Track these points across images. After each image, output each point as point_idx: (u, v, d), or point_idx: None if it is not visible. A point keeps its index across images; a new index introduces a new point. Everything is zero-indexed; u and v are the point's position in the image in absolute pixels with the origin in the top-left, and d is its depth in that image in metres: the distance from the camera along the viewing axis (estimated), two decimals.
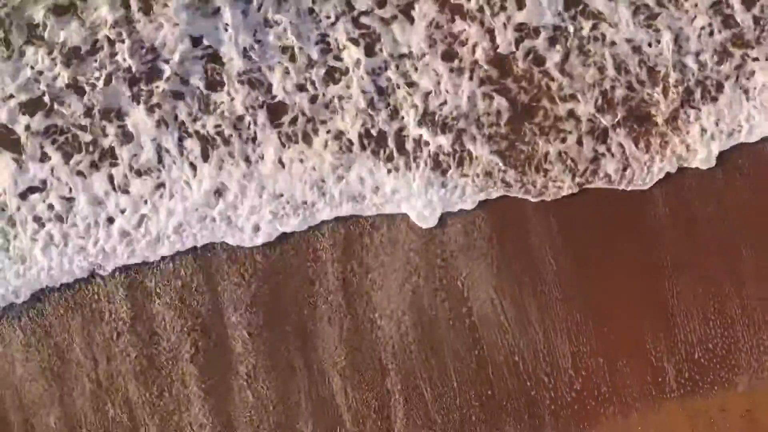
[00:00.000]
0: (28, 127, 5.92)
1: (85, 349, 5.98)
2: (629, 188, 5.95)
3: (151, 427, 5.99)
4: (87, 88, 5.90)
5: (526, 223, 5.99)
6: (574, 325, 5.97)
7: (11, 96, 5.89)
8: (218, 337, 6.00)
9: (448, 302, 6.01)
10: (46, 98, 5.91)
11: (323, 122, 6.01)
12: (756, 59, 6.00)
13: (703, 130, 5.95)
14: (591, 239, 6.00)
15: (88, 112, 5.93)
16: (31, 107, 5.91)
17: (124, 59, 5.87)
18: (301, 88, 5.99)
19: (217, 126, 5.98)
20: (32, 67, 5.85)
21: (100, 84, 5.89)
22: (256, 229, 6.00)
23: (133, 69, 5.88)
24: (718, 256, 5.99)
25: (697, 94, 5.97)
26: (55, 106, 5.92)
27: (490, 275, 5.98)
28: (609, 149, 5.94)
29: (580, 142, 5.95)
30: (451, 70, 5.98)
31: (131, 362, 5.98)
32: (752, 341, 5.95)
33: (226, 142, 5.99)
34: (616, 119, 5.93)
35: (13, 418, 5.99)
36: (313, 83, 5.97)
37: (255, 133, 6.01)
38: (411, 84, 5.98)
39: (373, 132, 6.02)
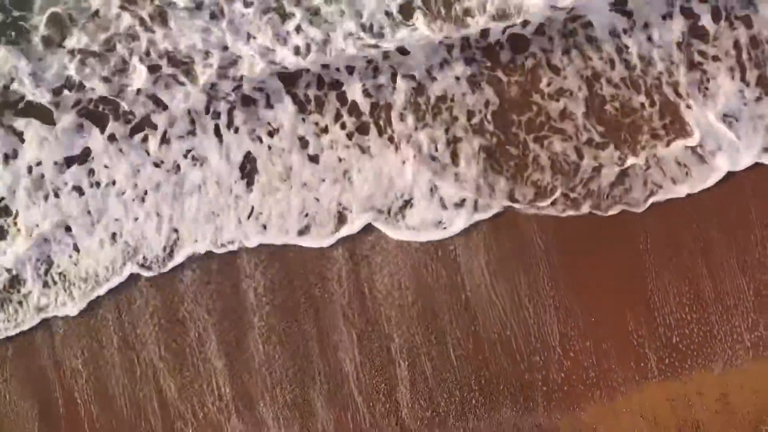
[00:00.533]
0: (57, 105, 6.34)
1: (116, 319, 6.53)
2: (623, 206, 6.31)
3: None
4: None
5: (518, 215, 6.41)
6: (563, 309, 6.35)
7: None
8: (239, 323, 6.47)
9: (447, 283, 6.39)
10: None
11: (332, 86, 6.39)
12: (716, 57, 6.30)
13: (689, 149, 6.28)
14: (579, 232, 6.36)
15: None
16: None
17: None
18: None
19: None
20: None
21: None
22: (285, 232, 6.45)
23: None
24: (695, 251, 6.33)
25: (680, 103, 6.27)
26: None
27: (482, 255, 6.38)
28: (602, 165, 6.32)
29: (578, 154, 6.31)
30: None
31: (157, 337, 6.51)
32: (726, 329, 6.29)
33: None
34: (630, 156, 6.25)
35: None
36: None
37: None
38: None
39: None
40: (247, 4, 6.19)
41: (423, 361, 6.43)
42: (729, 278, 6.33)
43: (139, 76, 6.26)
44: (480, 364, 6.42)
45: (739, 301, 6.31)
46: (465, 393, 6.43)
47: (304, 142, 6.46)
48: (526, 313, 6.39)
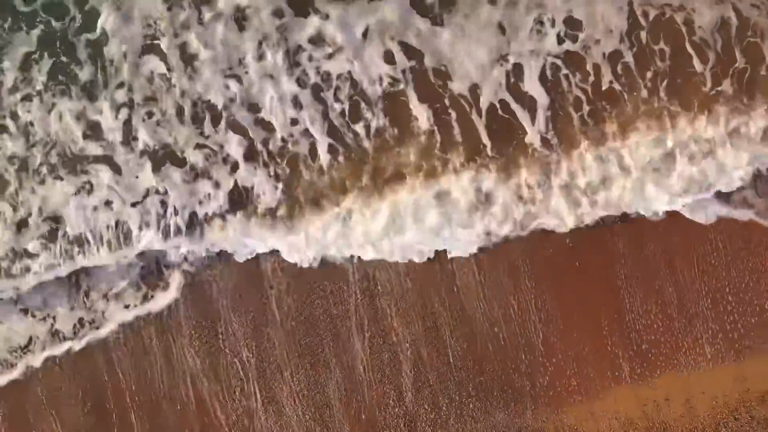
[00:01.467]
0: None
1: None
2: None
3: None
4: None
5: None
6: (545, 316, 7.20)
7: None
8: (266, 338, 7.34)
9: (446, 297, 7.23)
10: None
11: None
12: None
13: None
14: (559, 245, 7.16)
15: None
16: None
17: None
18: None
19: None
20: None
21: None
22: None
23: None
24: (662, 269, 7.11)
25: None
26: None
27: (474, 269, 7.23)
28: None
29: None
30: None
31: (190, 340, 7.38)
32: (689, 341, 7.10)
33: None
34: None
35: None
36: None
37: None
38: None
39: None
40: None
41: (427, 371, 7.30)
42: (690, 286, 7.15)
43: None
44: (476, 373, 7.28)
45: (699, 310, 7.13)
46: (463, 398, 7.31)
47: None
48: (512, 310, 7.22)
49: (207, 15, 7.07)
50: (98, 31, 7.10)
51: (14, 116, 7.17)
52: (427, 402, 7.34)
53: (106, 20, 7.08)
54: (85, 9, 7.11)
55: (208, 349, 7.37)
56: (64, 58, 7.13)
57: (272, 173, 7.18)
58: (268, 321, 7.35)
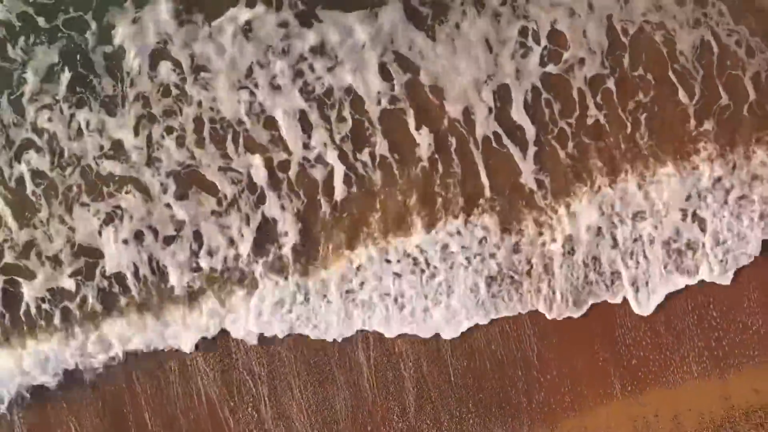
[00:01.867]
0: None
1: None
2: None
3: None
4: None
5: None
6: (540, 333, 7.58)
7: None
8: (276, 356, 7.65)
9: None
10: None
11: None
12: None
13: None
14: None
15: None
16: None
17: None
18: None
19: None
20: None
21: None
22: None
23: None
24: None
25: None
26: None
27: None
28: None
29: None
30: None
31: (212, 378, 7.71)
32: (677, 359, 7.46)
33: None
34: None
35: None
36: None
37: None
38: None
39: None
40: None
41: (429, 388, 7.64)
42: (676, 299, 7.51)
43: None
44: (476, 390, 7.63)
45: (685, 326, 7.49)
46: (464, 414, 7.64)
47: None
48: (508, 326, 7.57)
49: (216, 25, 7.29)
50: (115, 44, 7.28)
51: (35, 128, 7.29)
52: (429, 418, 7.66)
53: (121, 33, 7.25)
54: (102, 23, 7.26)
55: (222, 367, 7.68)
56: (82, 71, 7.28)
57: (295, 210, 7.50)
58: (278, 339, 7.65)
